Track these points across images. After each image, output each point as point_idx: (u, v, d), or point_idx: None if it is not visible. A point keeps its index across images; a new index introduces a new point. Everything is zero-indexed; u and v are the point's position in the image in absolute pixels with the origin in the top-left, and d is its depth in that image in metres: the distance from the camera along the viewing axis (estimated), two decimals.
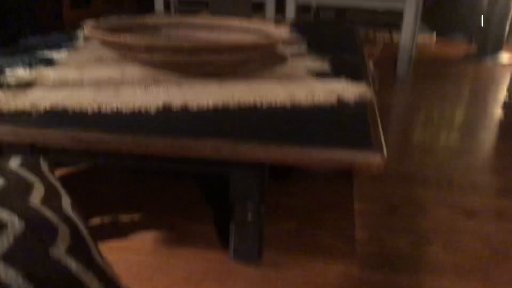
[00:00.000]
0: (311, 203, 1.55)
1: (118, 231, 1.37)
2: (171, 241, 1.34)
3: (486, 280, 1.22)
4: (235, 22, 1.60)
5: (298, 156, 0.84)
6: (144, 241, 1.33)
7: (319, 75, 1.31)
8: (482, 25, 3.84)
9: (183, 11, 4.23)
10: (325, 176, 1.73)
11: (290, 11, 3.23)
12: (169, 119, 0.98)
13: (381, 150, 0.83)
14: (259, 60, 1.41)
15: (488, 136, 2.24)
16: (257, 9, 3.47)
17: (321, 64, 1.42)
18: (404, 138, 2.16)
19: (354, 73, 1.32)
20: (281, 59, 1.49)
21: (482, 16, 3.91)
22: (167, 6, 4.00)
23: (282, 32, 1.42)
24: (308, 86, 1.19)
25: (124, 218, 1.43)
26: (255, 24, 1.55)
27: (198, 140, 0.86)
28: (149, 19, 1.54)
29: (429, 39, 4.45)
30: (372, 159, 0.82)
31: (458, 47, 4.19)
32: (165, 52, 1.15)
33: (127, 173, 1.71)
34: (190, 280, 1.18)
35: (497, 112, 2.57)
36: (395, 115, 2.51)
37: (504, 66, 3.61)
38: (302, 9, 5.35)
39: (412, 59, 3.69)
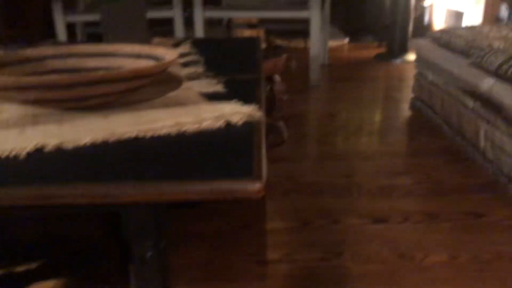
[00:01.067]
0: (222, 226, 1.52)
1: (14, 281, 1.26)
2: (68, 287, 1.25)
3: (392, 285, 1.24)
4: (127, 48, 1.54)
5: (175, 192, 0.80)
6: None
7: (213, 97, 1.28)
8: (388, 28, 4.02)
9: (91, 35, 4.08)
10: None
11: (199, 27, 3.20)
12: (39, 164, 0.90)
13: (260, 178, 0.80)
14: (151, 87, 1.35)
15: (397, 138, 2.32)
16: (167, 25, 3.42)
17: (215, 86, 1.39)
18: (315, 147, 2.19)
19: (248, 94, 1.30)
20: (176, 83, 1.45)
21: (387, 19, 4.10)
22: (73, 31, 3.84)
23: (173, 55, 1.37)
24: (197, 111, 1.15)
25: (19, 268, 1.32)
26: (146, 49, 1.50)
27: (65, 187, 0.80)
28: (32, 51, 1.45)
29: (341, 43, 4.60)
30: (251, 188, 0.79)
31: (369, 50, 4.36)
32: (39, 90, 1.06)
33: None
34: None
35: (406, 112, 2.68)
36: (306, 123, 2.55)
37: (410, 64, 3.79)
38: (215, 22, 5.36)
39: (326, 64, 3.79)
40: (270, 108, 2.41)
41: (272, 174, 1.87)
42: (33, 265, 1.34)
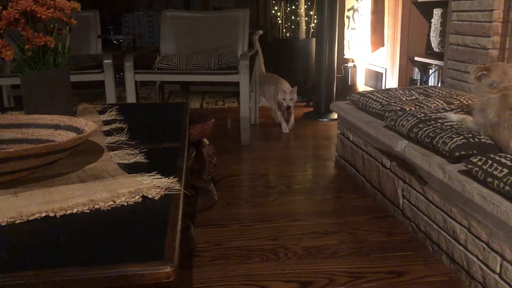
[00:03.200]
0: None
1: None
2: None
3: None
4: (45, 118, 1.51)
5: (81, 280, 0.77)
6: None
7: (133, 169, 1.27)
8: (315, 88, 4.23)
9: (19, 97, 3.95)
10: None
11: (130, 89, 3.20)
12: None
13: (171, 260, 0.79)
14: (69, 158, 1.32)
15: (323, 197, 2.38)
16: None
17: (136, 157, 1.39)
18: (245, 210, 2.20)
19: (169, 164, 1.30)
20: (95, 154, 1.43)
21: (314, 80, 4.32)
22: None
23: (92, 127, 1.36)
24: (114, 186, 1.13)
25: None
26: (65, 120, 1.48)
27: None
28: None
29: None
30: (161, 272, 0.78)
31: (298, 109, 4.54)
32: None
33: None
34: None
35: (331, 170, 2.77)
36: (237, 184, 2.57)
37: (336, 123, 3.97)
38: (149, 83, 5.38)
39: (257, 123, 3.89)
40: (199, 171, 2.42)
41: (200, 239, 1.84)
42: None
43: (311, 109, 4.42)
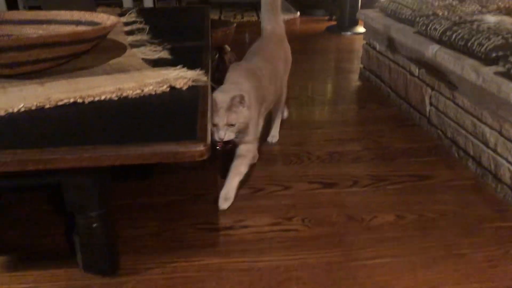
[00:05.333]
0: (174, 197, 1.49)
1: None
2: (13, 264, 1.20)
3: (342, 246, 1.26)
4: (66, 14, 1.46)
5: (115, 156, 0.77)
6: None
7: (157, 64, 1.24)
8: (338, 1, 4.04)
9: (33, 8, 3.87)
10: (190, 165, 1.68)
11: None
12: None
13: (204, 140, 0.79)
14: (92, 54, 1.29)
15: (346, 107, 2.35)
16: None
17: (160, 53, 1.35)
18: (267, 117, 2.18)
19: (193, 60, 1.27)
20: (119, 50, 1.39)
21: None
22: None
23: (115, 20, 1.31)
24: (140, 77, 1.11)
25: None
26: (86, 15, 1.43)
27: None
28: None
29: (293, 17, 4.59)
30: (194, 150, 0.77)
31: (320, 23, 4.38)
32: None
33: None
34: None
35: (355, 82, 2.71)
36: None
37: (359, 36, 3.84)
38: None
39: None
40: (220, 80, 2.38)
41: None
42: None
43: (334, 23, 4.26)
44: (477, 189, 1.54)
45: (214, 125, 1.33)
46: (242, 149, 1.49)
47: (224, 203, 1.42)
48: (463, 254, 1.23)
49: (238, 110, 1.35)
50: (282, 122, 1.96)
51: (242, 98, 1.33)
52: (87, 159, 0.77)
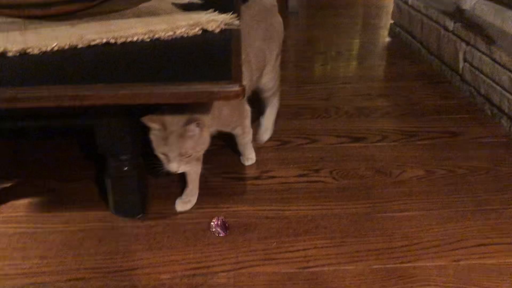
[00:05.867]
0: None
1: None
2: (46, 205, 1.23)
3: (369, 198, 1.26)
4: None
5: (150, 94, 0.76)
6: (15, 208, 1.21)
7: (188, 8, 1.22)
8: None
9: None
10: None
11: None
12: (2, 68, 0.84)
13: (239, 81, 0.77)
14: (120, 0, 1.27)
15: (375, 63, 2.29)
16: None
17: None
18: (294, 72, 2.15)
19: (225, 4, 1.23)
20: None
21: None
22: None
23: None
24: (171, 20, 1.09)
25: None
26: None
27: (30, 89, 0.75)
28: None
29: None
30: (230, 90, 0.76)
31: None
32: None
33: None
34: (69, 243, 1.10)
35: (384, 38, 2.63)
36: (285, 49, 2.48)
37: None
38: None
39: None
40: None
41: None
42: (5, 185, 1.31)
43: None
44: (510, 147, 1.50)
45: (162, 154, 1.03)
46: (238, 133, 1.32)
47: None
48: (493, 210, 1.21)
49: (195, 136, 1.02)
50: (310, 76, 1.93)
51: (199, 122, 1.00)
52: (122, 97, 0.76)
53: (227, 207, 1.22)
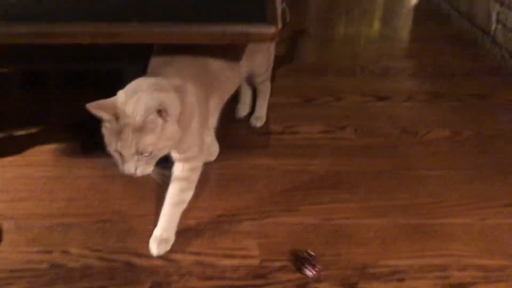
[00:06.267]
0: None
1: (14, 145, 1.25)
2: (73, 151, 1.24)
3: (395, 156, 1.24)
4: None
5: (184, 35, 0.75)
6: (42, 153, 1.22)
7: None
8: None
9: None
10: None
11: None
12: (39, 2, 0.83)
13: (275, 23, 0.75)
14: None
15: (403, 24, 2.23)
16: None
17: None
18: (318, 30, 2.10)
19: None
20: None
21: None
22: None
23: None
24: None
25: (20, 132, 1.30)
26: None
27: (69, 25, 0.74)
28: None
29: None
30: (266, 31, 0.74)
31: None
32: None
33: (20, 86, 1.54)
34: (95, 187, 1.11)
35: (412, 0, 2.56)
36: (309, 7, 2.43)
37: None
38: None
39: None
40: None
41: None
42: (33, 130, 1.32)
43: None
44: None
45: (116, 152, 0.81)
46: (183, 168, 0.96)
47: (159, 247, 0.93)
48: None
49: (157, 129, 0.79)
50: (333, 34, 1.88)
51: (161, 109, 0.79)
52: (156, 35, 0.75)
53: (252, 160, 1.22)
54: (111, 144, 0.79)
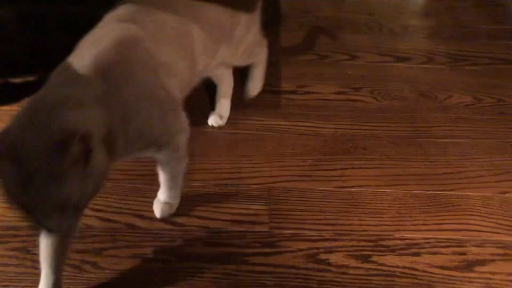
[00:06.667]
0: None
1: (10, 92, 1.18)
2: None
3: (412, 121, 1.18)
4: None
5: None
6: None
7: None
8: None
9: None
10: None
11: None
12: None
13: None
14: None
15: None
16: None
17: None
18: None
19: None
20: None
21: None
22: None
23: None
24: None
25: (17, 79, 1.23)
26: None
27: None
28: None
29: None
30: None
31: None
32: None
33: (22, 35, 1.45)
34: None
35: None
36: None
37: None
38: None
39: None
40: None
41: (286, 5, 1.69)
42: (31, 78, 1.25)
43: None
44: None
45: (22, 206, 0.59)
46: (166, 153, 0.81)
47: (162, 210, 0.88)
48: None
49: (80, 167, 0.56)
50: None
51: (86, 136, 0.56)
52: None
53: (261, 120, 1.16)
54: (15, 196, 0.58)
